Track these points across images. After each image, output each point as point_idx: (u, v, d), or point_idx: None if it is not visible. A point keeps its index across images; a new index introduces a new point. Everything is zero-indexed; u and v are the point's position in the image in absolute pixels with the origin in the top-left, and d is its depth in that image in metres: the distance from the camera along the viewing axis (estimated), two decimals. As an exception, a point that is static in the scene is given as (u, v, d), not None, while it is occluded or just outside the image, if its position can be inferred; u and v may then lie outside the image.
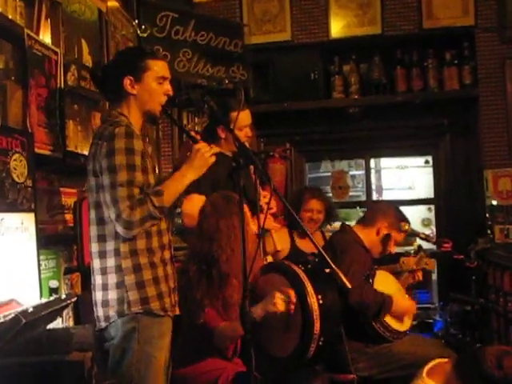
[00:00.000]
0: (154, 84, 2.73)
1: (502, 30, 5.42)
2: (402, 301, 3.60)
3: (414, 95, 5.64)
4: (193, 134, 2.88)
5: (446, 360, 2.94)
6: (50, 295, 2.97)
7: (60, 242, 3.25)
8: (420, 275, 3.86)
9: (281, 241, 4.40)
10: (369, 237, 3.80)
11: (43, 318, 2.08)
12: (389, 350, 3.57)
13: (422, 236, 3.91)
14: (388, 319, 3.52)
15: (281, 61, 5.73)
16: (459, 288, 4.75)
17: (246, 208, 3.23)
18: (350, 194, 6.49)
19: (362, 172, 6.56)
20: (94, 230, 2.68)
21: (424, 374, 2.89)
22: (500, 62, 5.46)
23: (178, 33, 4.88)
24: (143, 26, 4.62)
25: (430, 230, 6.26)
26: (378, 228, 3.78)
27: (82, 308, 3.20)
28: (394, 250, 3.87)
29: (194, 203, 3.34)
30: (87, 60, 3.55)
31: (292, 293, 3.04)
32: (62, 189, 3.33)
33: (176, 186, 2.68)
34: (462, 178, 5.82)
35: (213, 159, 2.75)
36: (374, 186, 6.53)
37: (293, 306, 3.00)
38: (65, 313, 3.09)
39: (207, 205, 3.27)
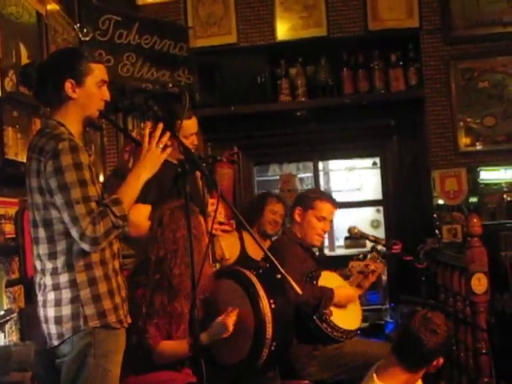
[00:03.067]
0: (95, 88, 2.62)
1: (446, 31, 5.51)
2: (344, 290, 3.62)
3: (360, 97, 5.67)
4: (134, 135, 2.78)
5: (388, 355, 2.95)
6: (-10, 309, 2.87)
7: (0, 254, 3.13)
8: (372, 276, 3.87)
9: (229, 248, 4.35)
10: (297, 230, 3.84)
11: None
12: (338, 351, 3.55)
13: (372, 238, 3.91)
14: (335, 318, 3.50)
15: (227, 64, 5.68)
16: (409, 289, 4.76)
17: (201, 218, 3.18)
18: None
19: (310, 174, 6.56)
20: (43, 249, 2.56)
21: (374, 377, 2.89)
22: (445, 63, 5.54)
23: (121, 36, 4.76)
24: (85, 30, 4.50)
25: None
26: (294, 216, 3.85)
27: (26, 322, 3.10)
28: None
29: (140, 212, 3.26)
30: (26, 64, 3.43)
31: (236, 310, 3.07)
32: (1, 198, 3.20)
33: (132, 190, 2.59)
34: (410, 178, 5.87)
35: (165, 155, 2.67)
36: (322, 189, 6.52)
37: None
38: (7, 327, 2.98)
39: (165, 215, 3.17)
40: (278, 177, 6.56)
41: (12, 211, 3.27)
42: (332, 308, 3.52)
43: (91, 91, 2.62)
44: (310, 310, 3.46)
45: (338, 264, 3.98)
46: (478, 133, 5.48)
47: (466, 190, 5.40)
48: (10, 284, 3.16)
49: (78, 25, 4.49)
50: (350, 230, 3.83)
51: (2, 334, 2.84)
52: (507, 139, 5.42)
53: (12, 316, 2.48)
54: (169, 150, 2.68)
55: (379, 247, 3.91)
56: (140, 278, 3.11)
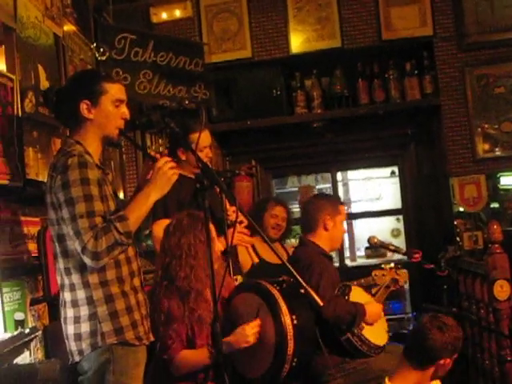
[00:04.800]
0: (111, 107, 2.67)
1: (460, 38, 5.49)
2: (373, 307, 3.62)
3: (376, 107, 5.67)
4: (153, 153, 2.82)
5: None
6: (16, 328, 2.90)
7: (25, 273, 3.16)
8: (401, 282, 3.88)
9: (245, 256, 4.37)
10: (322, 238, 3.78)
11: (6, 354, 1.99)
12: (366, 366, 3.52)
13: (392, 248, 3.91)
14: (365, 332, 3.51)
15: (242, 78, 5.72)
16: (432, 297, 4.74)
17: (211, 228, 3.20)
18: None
19: (328, 185, 6.56)
20: (60, 263, 2.62)
21: (386, 380, 2.94)
22: (460, 70, 5.51)
23: (137, 54, 4.82)
24: (101, 49, 4.55)
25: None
26: (323, 224, 3.76)
27: (51, 339, 3.13)
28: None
29: (163, 228, 3.30)
30: (45, 85, 3.47)
31: (258, 321, 3.09)
32: (24, 218, 3.24)
33: (140, 208, 2.61)
34: (429, 186, 5.86)
35: (176, 176, 2.69)
36: (341, 199, 6.52)
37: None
38: (32, 345, 3.01)
39: (172, 222, 3.25)
40: (296, 189, 6.57)
41: (34, 230, 3.31)
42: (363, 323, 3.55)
43: (108, 111, 2.66)
44: (345, 325, 3.48)
45: (360, 274, 3.97)
46: (495, 139, 5.44)
47: (485, 196, 5.36)
48: (35, 302, 3.19)
49: (95, 44, 4.55)
50: (369, 240, 3.83)
51: (28, 352, 2.86)
52: (526, 145, 5.39)
53: (37, 334, 2.51)
54: (177, 172, 2.69)
55: (400, 256, 3.90)
56: (156, 284, 3.18)
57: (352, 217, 6.53)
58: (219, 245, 3.21)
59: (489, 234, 3.92)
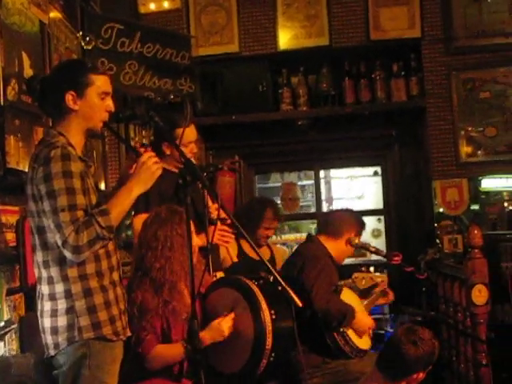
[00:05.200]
0: (97, 100, 2.63)
1: (447, 41, 5.50)
2: (364, 316, 3.67)
3: (362, 107, 5.66)
4: (137, 146, 2.79)
5: None
6: (-9, 317, 2.87)
7: (1, 262, 3.12)
8: (391, 296, 3.94)
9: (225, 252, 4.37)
10: (337, 247, 3.85)
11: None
12: (345, 367, 3.57)
13: (372, 249, 3.93)
14: (350, 334, 3.53)
15: (229, 73, 5.68)
16: (410, 300, 4.77)
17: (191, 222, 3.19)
18: (301, 204, 6.48)
19: (311, 183, 6.56)
20: (39, 256, 2.58)
21: None
22: (446, 73, 5.53)
23: (123, 45, 4.77)
24: (87, 38, 4.50)
25: None
26: (347, 238, 3.85)
27: (26, 330, 3.09)
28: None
29: (143, 222, 3.28)
30: (28, 73, 3.42)
31: (232, 314, 3.12)
32: (2, 207, 3.20)
33: (122, 203, 2.58)
34: (411, 188, 5.89)
35: (159, 171, 2.66)
36: (323, 197, 6.53)
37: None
38: (7, 337, 2.98)
39: (150, 215, 3.25)
40: (279, 184, 6.57)
41: (13, 219, 3.26)
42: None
43: (93, 102, 2.63)
44: (335, 322, 3.52)
45: (340, 273, 3.98)
46: (479, 143, 5.47)
47: (467, 200, 5.39)
48: (11, 292, 3.15)
49: (81, 33, 4.49)
50: (350, 241, 3.83)
51: (2, 343, 2.83)
52: (508, 150, 5.40)
53: (12, 327, 2.47)
54: (161, 166, 2.66)
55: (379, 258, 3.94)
56: (132, 275, 3.18)
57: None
58: (197, 240, 3.19)
59: (469, 239, 3.93)
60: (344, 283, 3.87)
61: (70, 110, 2.61)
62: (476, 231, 3.89)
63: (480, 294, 3.86)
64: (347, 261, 5.89)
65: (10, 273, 3.19)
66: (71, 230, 2.41)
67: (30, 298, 3.11)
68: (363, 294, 3.90)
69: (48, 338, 2.57)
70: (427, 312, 4.17)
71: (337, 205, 6.81)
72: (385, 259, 4.04)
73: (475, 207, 5.56)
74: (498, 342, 3.98)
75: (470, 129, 5.48)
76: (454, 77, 5.49)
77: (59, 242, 2.44)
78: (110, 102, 2.69)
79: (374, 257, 6.03)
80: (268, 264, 2.80)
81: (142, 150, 2.72)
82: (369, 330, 3.73)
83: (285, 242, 6.33)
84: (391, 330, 5.36)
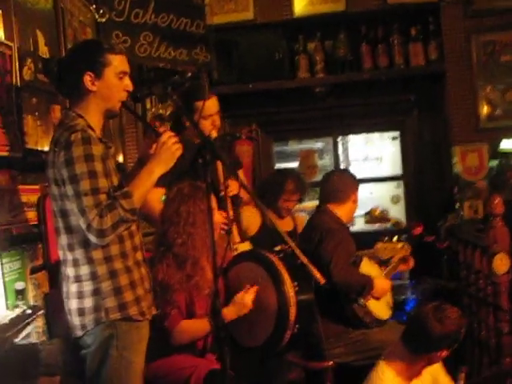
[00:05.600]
0: (115, 80, 2.62)
1: (466, 4, 5.38)
2: (382, 282, 3.70)
3: (380, 73, 5.59)
4: (157, 125, 2.77)
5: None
6: (17, 298, 2.90)
7: (24, 241, 3.14)
8: (411, 262, 3.95)
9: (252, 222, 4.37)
10: (346, 211, 3.89)
11: (8, 336, 1.98)
12: (366, 337, 3.60)
13: (393, 221, 3.91)
14: (370, 304, 3.54)
15: (244, 41, 5.62)
16: (431, 268, 4.76)
17: (212, 199, 3.19)
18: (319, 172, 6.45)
19: (330, 149, 6.52)
20: (63, 239, 2.60)
21: (381, 360, 2.95)
22: (466, 37, 5.43)
23: (137, 16, 4.70)
24: (101, 11, 4.44)
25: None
26: (353, 199, 3.89)
27: (51, 306, 3.13)
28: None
29: (153, 196, 3.28)
30: (44, 52, 3.40)
31: (255, 287, 3.13)
32: (23, 186, 3.21)
33: (144, 184, 2.58)
34: (430, 153, 5.84)
35: (180, 151, 2.66)
36: (342, 164, 6.49)
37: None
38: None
39: (173, 190, 3.25)
40: (297, 152, 6.54)
41: (34, 198, 3.28)
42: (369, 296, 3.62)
43: (111, 83, 2.61)
44: (354, 294, 3.57)
45: (359, 241, 3.97)
46: (499, 107, 5.39)
47: (487, 165, 5.33)
48: (35, 270, 3.18)
49: (94, 6, 4.44)
50: (371, 212, 3.83)
51: (30, 327, 2.85)
52: (529, 114, 5.34)
53: (38, 313, 2.49)
54: (181, 146, 2.65)
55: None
56: (155, 250, 3.20)
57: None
58: (219, 217, 3.19)
59: (490, 208, 3.89)
60: (366, 253, 3.87)
61: (89, 91, 2.59)
62: (497, 200, 3.85)
63: (502, 263, 3.84)
64: (370, 228, 5.94)
65: (33, 251, 3.22)
66: (95, 213, 2.42)
67: (54, 274, 3.14)
68: (384, 262, 3.90)
69: (75, 320, 2.60)
70: (449, 282, 4.15)
71: (354, 172, 6.74)
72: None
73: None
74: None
75: (489, 93, 5.39)
76: (473, 40, 5.39)
77: (83, 226, 2.44)
78: (128, 82, 2.68)
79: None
80: (289, 240, 2.79)
81: (162, 129, 2.71)
82: (388, 292, 3.77)
83: (304, 209, 6.29)
84: (412, 297, 5.37)
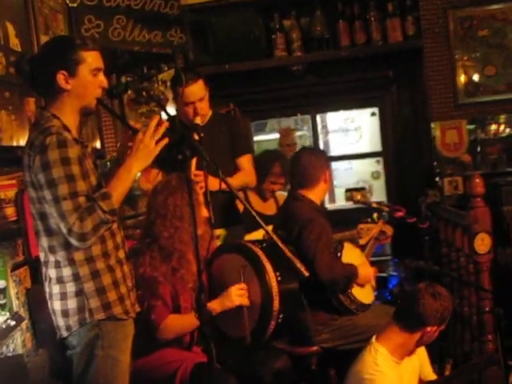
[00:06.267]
0: (89, 77, 2.55)
1: (443, -22, 5.34)
2: (366, 269, 3.68)
3: (358, 49, 5.55)
4: (132, 123, 2.72)
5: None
6: (-3, 297, 2.87)
7: (4, 239, 3.10)
8: (390, 230, 3.96)
9: None
10: (318, 193, 3.79)
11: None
12: (352, 322, 3.60)
13: (375, 205, 3.89)
14: (354, 291, 3.55)
15: (219, 21, 5.52)
16: (413, 248, 4.78)
17: (199, 191, 3.17)
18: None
19: (308, 128, 6.51)
20: (43, 241, 2.56)
21: (373, 339, 3.02)
22: (443, 12, 5.41)
23: (110, -1, 4.62)
24: (72, -5, 4.35)
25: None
26: (324, 179, 3.76)
27: (34, 301, 3.10)
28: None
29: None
30: (15, 43, 3.30)
31: (243, 284, 3.13)
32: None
33: (123, 184, 2.54)
34: (410, 129, 5.84)
35: (158, 149, 2.60)
36: (321, 142, 6.48)
37: (247, 300, 3.11)
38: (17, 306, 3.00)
39: (160, 182, 3.25)
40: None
41: (11, 194, 3.22)
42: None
43: (86, 80, 2.55)
44: (341, 286, 3.54)
45: (341, 219, 3.96)
46: (478, 83, 5.39)
47: (466, 141, 5.34)
48: (16, 267, 3.15)
49: (65, -10, 4.33)
50: (352, 197, 3.81)
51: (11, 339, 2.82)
52: (508, 88, 5.33)
53: (23, 322, 2.46)
54: (163, 143, 2.60)
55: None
56: (140, 242, 3.20)
57: (332, 159, 6.47)
58: (205, 211, 3.17)
59: (471, 187, 3.88)
60: (348, 235, 3.86)
61: (63, 89, 2.53)
62: (478, 180, 3.84)
63: (483, 243, 3.85)
64: (351, 206, 5.93)
65: (12, 248, 3.17)
66: (75, 218, 2.39)
67: (35, 269, 3.11)
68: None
69: (59, 321, 2.59)
70: (431, 266, 4.17)
71: (334, 149, 6.75)
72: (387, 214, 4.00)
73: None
74: (498, 285, 4.00)
75: (468, 68, 5.38)
76: (450, 15, 5.36)
77: (64, 231, 2.42)
78: (102, 78, 2.62)
79: (375, 199, 6.08)
80: (272, 233, 2.77)
81: (138, 126, 2.66)
82: (372, 279, 3.77)
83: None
84: (394, 273, 5.40)
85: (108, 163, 4.52)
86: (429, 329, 2.93)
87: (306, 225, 3.56)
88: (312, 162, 3.76)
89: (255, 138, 6.48)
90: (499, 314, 3.10)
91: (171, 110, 4.85)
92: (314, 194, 3.75)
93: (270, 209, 4.59)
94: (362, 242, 3.84)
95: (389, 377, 2.88)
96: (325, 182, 3.77)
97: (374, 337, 3.05)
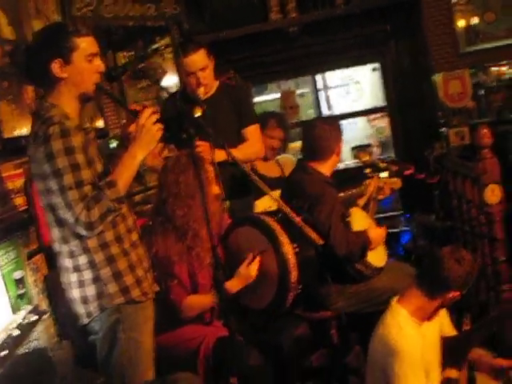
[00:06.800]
0: (85, 63, 2.53)
1: None
2: (376, 233, 3.60)
3: (353, 6, 5.45)
4: (134, 106, 2.70)
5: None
6: (17, 287, 2.90)
7: (17, 229, 3.12)
8: (387, 191, 3.89)
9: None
10: (330, 165, 3.67)
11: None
12: (367, 287, 3.56)
13: (383, 166, 3.86)
14: (368, 257, 3.53)
15: (212, -13, 5.45)
16: (423, 202, 4.76)
17: (210, 168, 3.14)
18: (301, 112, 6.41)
19: (309, 89, 6.46)
20: (55, 232, 2.58)
21: (395, 300, 3.00)
22: (438, -40, 5.28)
23: (99, -24, 4.55)
24: (62, -25, 4.28)
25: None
26: (337, 152, 3.65)
27: (52, 287, 3.14)
28: None
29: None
30: (8, 32, 3.29)
31: (258, 258, 3.11)
32: (6, 173, 3.15)
33: (128, 170, 2.54)
34: (413, 82, 5.76)
35: (160, 132, 2.60)
36: (324, 103, 6.43)
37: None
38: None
39: (170, 160, 3.21)
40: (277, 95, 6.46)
41: (20, 182, 3.23)
42: None
43: (81, 67, 2.53)
44: (357, 257, 3.48)
45: (348, 178, 3.91)
46: (478, 30, 5.31)
47: (470, 91, 5.28)
48: (31, 255, 3.18)
49: (54, -29, 4.27)
50: (360, 158, 3.78)
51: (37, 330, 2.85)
52: (509, 34, 5.25)
53: (44, 316, 2.49)
54: (161, 127, 2.58)
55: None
56: (153, 220, 3.19)
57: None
58: (216, 188, 3.16)
59: (478, 139, 3.84)
60: (354, 191, 3.83)
61: (59, 78, 2.52)
62: (485, 130, 3.80)
63: (493, 194, 3.82)
64: (358, 164, 5.91)
65: (26, 237, 3.20)
66: (82, 207, 2.40)
67: (50, 255, 3.13)
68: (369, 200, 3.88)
69: (79, 308, 2.62)
70: (442, 221, 4.15)
71: (337, 108, 6.70)
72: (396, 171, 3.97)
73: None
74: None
75: (467, 16, 5.30)
76: (446, -37, 5.24)
77: (71, 220, 2.42)
78: (98, 62, 2.59)
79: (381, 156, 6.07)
80: (280, 202, 2.77)
81: (140, 107, 2.63)
82: (383, 239, 3.69)
83: (290, 150, 6.26)
84: (406, 228, 5.40)
85: (112, 141, 4.52)
86: (451, 294, 2.92)
87: (317, 201, 3.46)
88: (326, 134, 3.61)
89: (256, 99, 6.41)
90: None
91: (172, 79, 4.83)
92: (325, 167, 3.63)
93: (273, 170, 4.57)
94: (360, 202, 3.81)
95: (413, 337, 2.87)
96: (337, 154, 3.67)
97: (395, 299, 3.03)
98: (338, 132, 3.67)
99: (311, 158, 3.65)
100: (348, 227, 3.50)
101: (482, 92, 5.40)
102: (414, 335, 2.88)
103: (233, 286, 3.04)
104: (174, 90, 4.48)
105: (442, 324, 3.14)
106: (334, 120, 3.82)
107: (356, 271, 3.50)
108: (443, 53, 5.36)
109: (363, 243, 3.48)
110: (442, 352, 3.10)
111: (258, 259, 3.12)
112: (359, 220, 3.63)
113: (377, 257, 3.55)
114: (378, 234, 3.60)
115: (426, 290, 2.93)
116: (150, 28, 4.96)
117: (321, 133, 3.61)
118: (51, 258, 3.12)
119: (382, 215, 5.17)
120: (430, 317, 2.99)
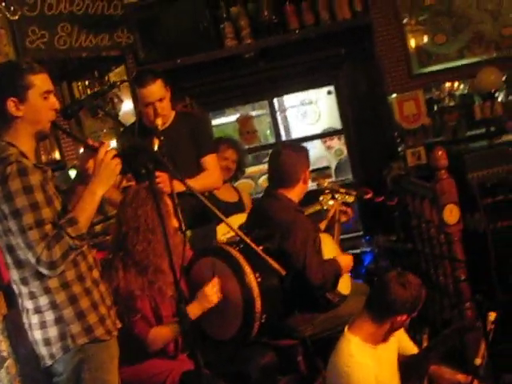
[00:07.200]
0: (40, 101, 2.49)
1: None
2: (345, 260, 3.58)
3: (307, 31, 5.50)
4: (90, 142, 2.67)
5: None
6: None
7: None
8: (350, 212, 3.91)
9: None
10: (298, 192, 3.61)
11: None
12: (334, 314, 3.53)
13: (342, 191, 3.88)
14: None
15: (166, 15, 5.42)
16: (384, 224, 4.81)
17: (169, 201, 3.12)
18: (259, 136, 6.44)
19: (266, 112, 6.50)
20: (15, 274, 2.51)
21: (346, 329, 3.03)
22: (388, -16, 5.39)
23: (51, 7, 4.52)
24: (12, 8, 4.24)
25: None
26: (303, 179, 3.59)
27: (13, 328, 3.06)
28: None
29: None
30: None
31: (216, 279, 3.10)
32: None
33: (88, 207, 2.51)
34: (368, 105, 5.81)
35: (119, 166, 2.58)
36: (281, 126, 6.47)
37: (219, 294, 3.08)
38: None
39: (129, 193, 3.17)
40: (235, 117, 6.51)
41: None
42: None
43: (37, 105, 2.49)
44: (331, 286, 3.45)
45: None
46: (430, 52, 5.42)
47: (424, 111, 5.36)
48: (-11, 294, 3.10)
49: (4, 4, 4.23)
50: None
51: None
52: (460, 55, 5.37)
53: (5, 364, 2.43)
54: (119, 161, 2.57)
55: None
56: (112, 255, 3.12)
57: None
58: (175, 221, 3.13)
59: (434, 161, 3.91)
60: (311, 208, 3.84)
61: (15, 116, 2.47)
62: (440, 152, 3.87)
63: (451, 214, 3.89)
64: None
65: (-17, 276, 3.12)
66: (42, 246, 2.36)
67: (9, 294, 3.06)
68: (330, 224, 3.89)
69: (42, 349, 2.55)
70: (404, 244, 4.20)
71: (295, 132, 6.75)
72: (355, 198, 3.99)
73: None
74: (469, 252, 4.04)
75: (418, 38, 5.41)
76: (396, -14, 5.35)
77: (32, 261, 2.38)
78: (53, 100, 2.56)
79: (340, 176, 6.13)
80: (239, 232, 2.76)
81: (97, 144, 2.61)
82: (351, 266, 3.66)
83: (249, 175, 6.29)
84: (368, 249, 5.44)
85: (69, 172, 4.46)
86: (399, 318, 2.94)
87: (289, 229, 3.40)
88: (293, 161, 3.56)
89: (214, 122, 6.43)
90: (479, 301, 3.07)
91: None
92: (293, 194, 3.58)
93: (231, 196, 4.59)
94: (321, 226, 3.82)
95: (365, 365, 2.89)
96: (304, 181, 3.60)
97: (346, 326, 3.04)
98: (304, 159, 3.63)
99: (279, 185, 3.59)
100: (320, 255, 3.47)
101: (436, 108, 5.49)
102: (365, 363, 2.91)
103: (193, 309, 3.00)
104: (131, 118, 4.47)
105: (400, 340, 3.17)
106: (301, 147, 3.77)
107: (326, 300, 3.46)
108: (396, 75, 5.46)
109: (335, 271, 3.45)
110: (401, 370, 3.12)
111: (215, 280, 3.11)
112: (327, 246, 3.62)
113: (343, 284, 3.54)
114: (346, 261, 3.58)
115: (375, 315, 2.97)
116: (104, 58, 4.92)
117: (287, 160, 3.56)
118: (10, 297, 3.06)
119: (342, 236, 5.18)
120: (383, 339, 3.01)
